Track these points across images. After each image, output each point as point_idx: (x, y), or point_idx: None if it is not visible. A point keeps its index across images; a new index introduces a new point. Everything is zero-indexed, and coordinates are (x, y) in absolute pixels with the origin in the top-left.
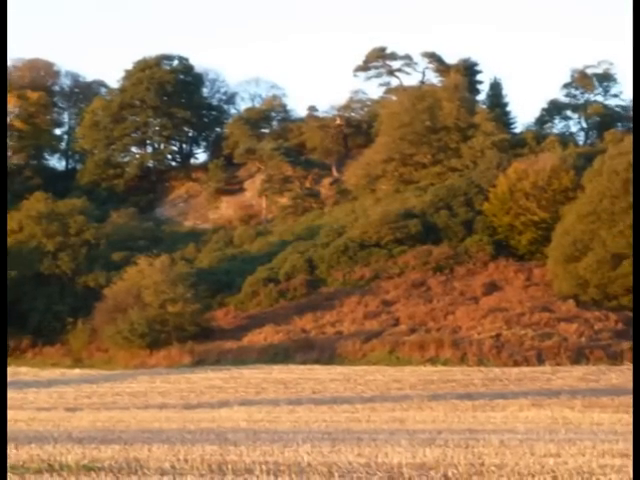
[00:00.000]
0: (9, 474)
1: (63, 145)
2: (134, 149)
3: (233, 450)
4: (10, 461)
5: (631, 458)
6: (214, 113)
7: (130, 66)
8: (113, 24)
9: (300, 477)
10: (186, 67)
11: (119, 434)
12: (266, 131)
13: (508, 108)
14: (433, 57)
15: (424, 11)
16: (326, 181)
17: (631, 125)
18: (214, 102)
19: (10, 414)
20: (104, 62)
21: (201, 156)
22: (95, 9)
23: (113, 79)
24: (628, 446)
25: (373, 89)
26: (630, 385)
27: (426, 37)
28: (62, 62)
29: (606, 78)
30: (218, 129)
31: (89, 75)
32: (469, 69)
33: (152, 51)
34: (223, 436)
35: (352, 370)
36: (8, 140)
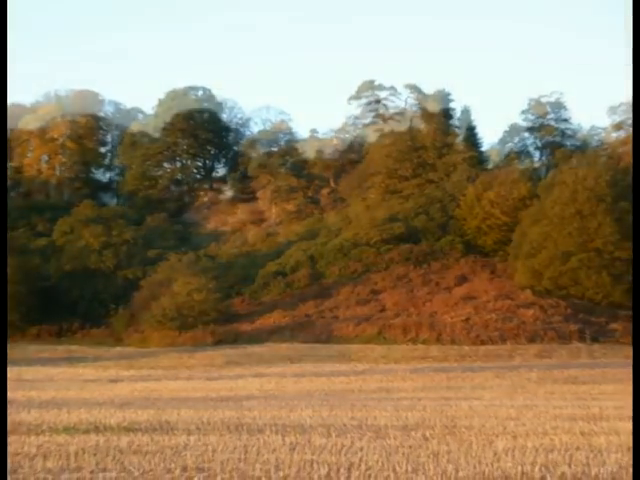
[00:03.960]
0: (63, 434)
1: (107, 161)
2: (166, 164)
3: (248, 414)
4: (63, 423)
5: (578, 422)
6: (232, 135)
7: (162, 95)
8: (149, 60)
9: (303, 435)
10: (209, 96)
11: (153, 401)
12: (275, 150)
13: (476, 130)
14: (414, 88)
15: (407, 47)
16: (325, 191)
17: (579, 144)
18: (232, 126)
19: (63, 384)
20: (141, 92)
21: (221, 170)
22: (132, 47)
23: (148, 106)
24: (576, 411)
25: (364, 114)
26: (577, 360)
27: (408, 69)
28: (106, 93)
29: (557, 105)
30: (235, 148)
31: (128, 103)
32: (444, 98)
33: (181, 83)
34: (239, 402)
35: (346, 348)
36: (61, 157)
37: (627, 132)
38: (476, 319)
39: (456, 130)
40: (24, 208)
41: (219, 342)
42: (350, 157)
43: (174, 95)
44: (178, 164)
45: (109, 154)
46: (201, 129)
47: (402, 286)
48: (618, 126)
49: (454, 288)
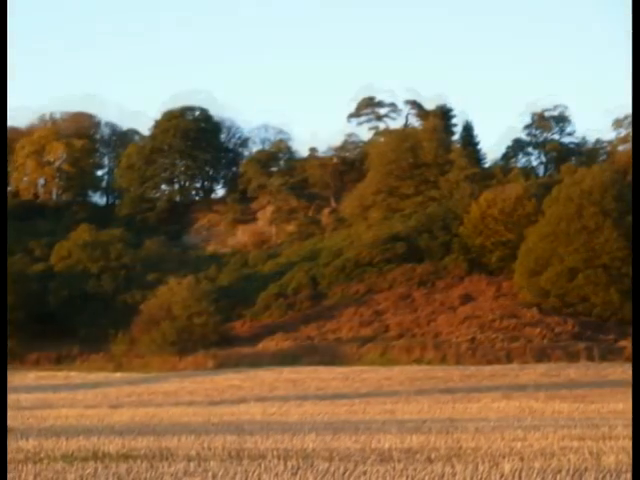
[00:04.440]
0: (60, 462)
1: (104, 184)
2: (164, 186)
3: (249, 439)
4: (61, 451)
5: (587, 441)
6: (231, 155)
7: (159, 116)
8: (144, 81)
9: (306, 461)
10: (206, 117)
11: (153, 427)
12: (274, 169)
13: (478, 146)
14: (414, 104)
15: (408, 63)
16: (326, 211)
17: (584, 159)
18: (230, 146)
19: (62, 411)
20: (137, 113)
21: (220, 191)
22: (126, 67)
23: (145, 128)
24: (584, 430)
25: (364, 132)
26: (585, 379)
27: (408, 85)
28: (102, 114)
29: (561, 119)
30: (234, 168)
31: (125, 125)
32: (445, 114)
33: (177, 103)
34: (241, 427)
35: (350, 370)
36: (58, 180)
37: None
38: (481, 339)
39: (458, 146)
40: (21, 233)
41: (220, 366)
42: (351, 176)
43: (170, 116)
44: (176, 186)
45: (106, 177)
46: (199, 150)
47: (405, 306)
48: (624, 139)
49: (459, 307)
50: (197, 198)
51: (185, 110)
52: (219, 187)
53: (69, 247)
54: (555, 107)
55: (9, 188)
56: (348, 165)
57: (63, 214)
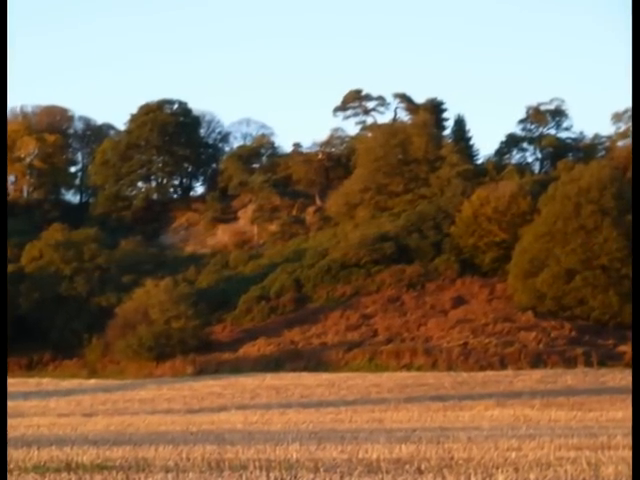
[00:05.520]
0: (32, 473)
1: (77, 181)
2: (140, 184)
3: (230, 449)
4: (33, 461)
5: (585, 451)
6: (210, 151)
7: (135, 110)
8: (120, 73)
9: (289, 472)
10: (185, 110)
11: (129, 436)
12: (256, 166)
13: (471, 142)
14: (404, 98)
15: (395, 55)
16: (310, 209)
17: (581, 154)
18: (210, 141)
19: (34, 420)
20: (112, 107)
21: (199, 189)
22: (103, 59)
23: (120, 122)
24: (582, 440)
25: (351, 127)
26: (583, 386)
27: (397, 78)
28: (75, 108)
29: (558, 113)
30: (214, 165)
31: (99, 119)
32: (436, 108)
33: (155, 96)
34: (221, 437)
35: (336, 376)
36: (29, 177)
37: None
38: (474, 343)
39: (449, 142)
40: None
41: (200, 372)
42: (337, 173)
43: (147, 109)
44: (153, 183)
45: (80, 174)
46: (177, 145)
47: (394, 309)
48: (624, 134)
49: (450, 311)
50: (175, 196)
51: (163, 103)
52: (198, 184)
53: (41, 247)
54: (551, 100)
55: None
56: (334, 161)
57: (34, 213)
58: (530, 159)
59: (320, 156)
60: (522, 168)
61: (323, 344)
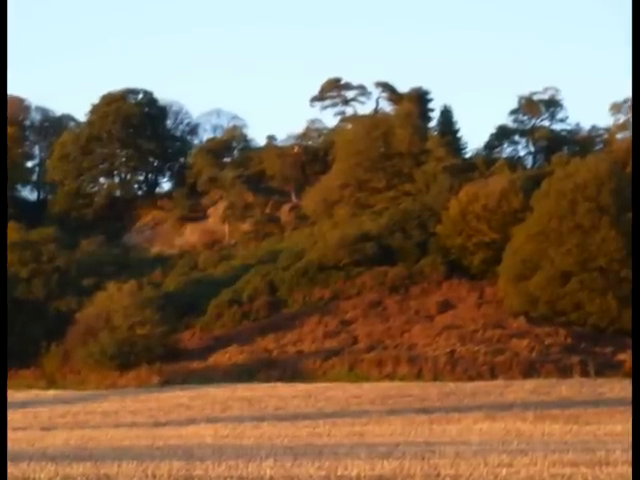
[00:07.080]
0: None
1: (34, 177)
2: (102, 179)
3: (199, 465)
4: None
5: (581, 468)
6: (178, 144)
7: (97, 100)
8: (80, 60)
9: None
10: (150, 100)
11: (91, 451)
12: (228, 160)
13: (458, 134)
14: (386, 87)
15: (377, 41)
16: (285, 207)
17: (577, 148)
18: (178, 133)
19: None
20: (72, 97)
21: (166, 185)
22: (62, 45)
23: (81, 113)
24: (578, 455)
25: (329, 118)
26: (579, 397)
27: (379, 66)
28: (32, 98)
29: (552, 104)
30: (182, 159)
31: (58, 110)
32: (421, 97)
33: (118, 85)
34: (190, 452)
35: (313, 387)
36: None
37: None
38: (462, 351)
39: (436, 134)
40: None
41: (166, 383)
42: (314, 168)
43: (110, 99)
44: (116, 179)
45: (37, 169)
46: (142, 138)
47: (376, 315)
48: (622, 126)
49: (436, 316)
50: (140, 193)
51: (127, 93)
52: (165, 180)
53: None
54: (545, 90)
55: None
56: (311, 155)
57: None
58: (522, 153)
59: (296, 150)
60: (514, 163)
61: (299, 352)
